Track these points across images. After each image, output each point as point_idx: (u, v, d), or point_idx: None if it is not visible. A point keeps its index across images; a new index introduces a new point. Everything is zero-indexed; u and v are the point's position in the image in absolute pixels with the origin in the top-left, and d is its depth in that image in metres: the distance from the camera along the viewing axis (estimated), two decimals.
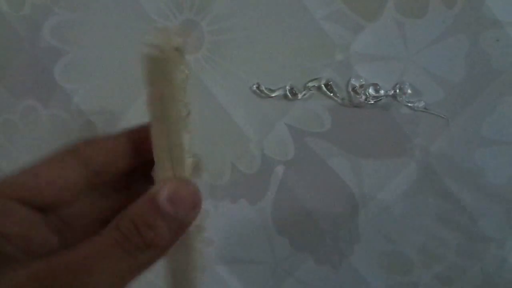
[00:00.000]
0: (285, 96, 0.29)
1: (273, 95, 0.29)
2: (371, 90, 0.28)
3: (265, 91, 0.29)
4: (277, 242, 0.31)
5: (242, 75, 0.29)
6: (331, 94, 0.29)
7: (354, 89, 0.28)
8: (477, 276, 0.30)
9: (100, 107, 0.31)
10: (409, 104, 0.28)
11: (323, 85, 0.29)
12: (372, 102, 0.29)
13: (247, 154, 0.30)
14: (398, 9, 0.27)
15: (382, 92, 0.28)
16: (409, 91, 0.28)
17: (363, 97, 0.28)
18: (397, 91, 0.28)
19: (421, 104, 0.28)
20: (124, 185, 0.20)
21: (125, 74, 0.30)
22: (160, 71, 0.15)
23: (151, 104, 0.16)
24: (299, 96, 0.29)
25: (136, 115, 0.31)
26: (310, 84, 0.29)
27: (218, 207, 0.31)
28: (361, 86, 0.28)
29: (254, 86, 0.29)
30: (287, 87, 0.29)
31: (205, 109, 0.30)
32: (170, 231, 0.18)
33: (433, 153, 0.29)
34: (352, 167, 0.30)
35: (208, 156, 0.31)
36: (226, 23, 0.28)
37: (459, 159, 0.29)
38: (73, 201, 0.19)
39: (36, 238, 0.18)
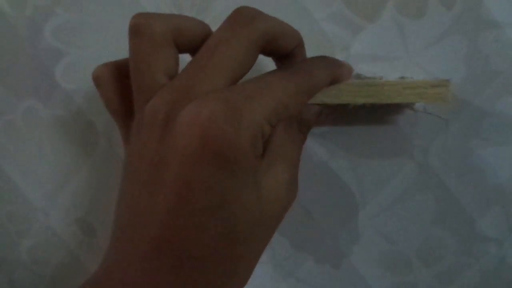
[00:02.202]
0: None
1: None
2: None
3: None
4: (277, 242, 0.31)
5: None
6: None
7: None
8: (476, 276, 0.30)
9: (100, 108, 0.31)
10: (409, 104, 0.28)
11: None
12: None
13: None
14: (398, 9, 0.27)
15: None
16: None
17: None
18: None
19: (421, 104, 0.28)
20: None
21: None
22: None
23: None
24: None
25: None
26: None
27: None
28: None
29: None
30: None
31: None
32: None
33: (432, 153, 0.29)
34: (352, 167, 0.30)
35: None
36: None
37: (458, 159, 0.29)
38: None
39: None
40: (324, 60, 0.23)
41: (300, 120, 0.24)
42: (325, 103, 0.25)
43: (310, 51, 0.28)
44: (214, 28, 0.28)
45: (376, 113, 0.29)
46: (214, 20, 0.28)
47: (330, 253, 0.31)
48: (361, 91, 0.25)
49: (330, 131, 0.29)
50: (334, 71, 0.23)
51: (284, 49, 0.22)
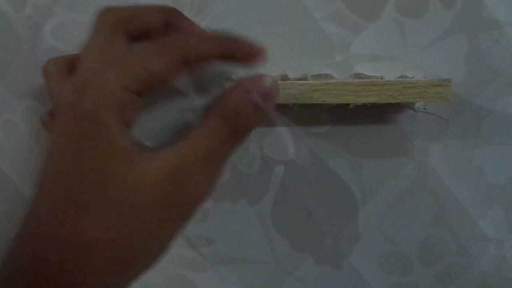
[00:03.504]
0: None
1: None
2: None
3: None
4: (277, 242, 0.31)
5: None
6: None
7: None
8: (477, 276, 0.30)
9: None
10: (409, 104, 0.28)
11: None
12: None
13: (247, 154, 0.30)
14: (398, 9, 0.27)
15: None
16: None
17: None
18: None
19: (421, 104, 0.28)
20: None
21: None
22: None
23: None
24: None
25: None
26: None
27: (218, 207, 0.31)
28: None
29: None
30: None
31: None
32: (258, 121, 0.23)
33: (432, 153, 0.29)
34: (352, 167, 0.30)
35: None
36: (226, 23, 0.28)
37: (458, 159, 0.29)
38: None
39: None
40: (212, 35, 0.24)
41: (228, 109, 0.22)
42: (326, 102, 0.25)
43: (310, 51, 0.28)
44: (214, 27, 0.28)
45: (376, 113, 0.29)
46: (214, 20, 0.28)
47: (330, 253, 0.31)
48: (362, 91, 0.25)
49: (330, 131, 0.29)
50: (221, 43, 0.23)
51: (150, 24, 0.23)
